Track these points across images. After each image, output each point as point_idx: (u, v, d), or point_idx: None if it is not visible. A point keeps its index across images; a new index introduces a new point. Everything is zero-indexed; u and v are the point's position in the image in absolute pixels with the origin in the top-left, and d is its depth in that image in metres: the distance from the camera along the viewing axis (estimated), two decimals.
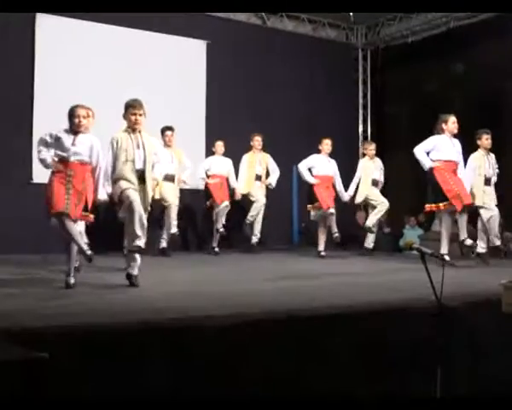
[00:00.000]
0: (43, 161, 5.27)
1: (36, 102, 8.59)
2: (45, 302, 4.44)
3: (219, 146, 8.89)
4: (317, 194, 8.48)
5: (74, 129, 5.28)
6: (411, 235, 9.52)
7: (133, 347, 3.34)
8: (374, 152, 9.05)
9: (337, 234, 8.38)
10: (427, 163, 7.12)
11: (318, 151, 8.67)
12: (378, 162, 9.08)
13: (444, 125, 7.15)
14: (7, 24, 8.17)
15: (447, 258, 6.59)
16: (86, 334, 3.34)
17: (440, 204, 7.02)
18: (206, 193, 8.89)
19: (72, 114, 5.29)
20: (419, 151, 7.18)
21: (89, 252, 5.08)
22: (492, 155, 7.61)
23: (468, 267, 7.09)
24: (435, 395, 3.10)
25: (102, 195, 5.53)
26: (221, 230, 8.75)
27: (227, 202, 8.76)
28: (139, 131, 5.41)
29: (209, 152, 9.33)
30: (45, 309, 4.10)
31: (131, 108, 5.37)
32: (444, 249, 6.99)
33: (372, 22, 11.36)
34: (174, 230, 8.28)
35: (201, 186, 8.96)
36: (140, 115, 5.38)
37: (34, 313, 3.93)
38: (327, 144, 8.64)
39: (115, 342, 3.34)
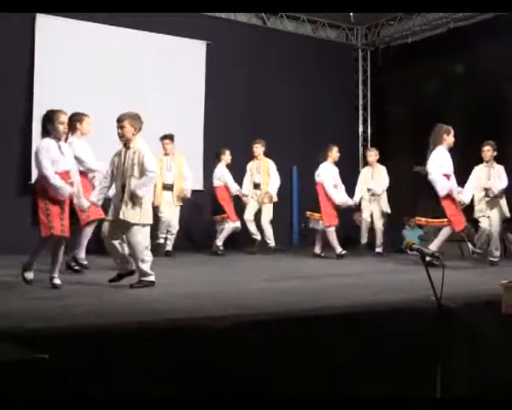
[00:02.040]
0: (63, 189, 4.97)
1: (35, 102, 8.56)
2: (45, 303, 4.45)
3: (227, 154, 8.72)
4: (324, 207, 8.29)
5: (58, 136, 5.00)
6: (411, 236, 9.52)
7: (133, 347, 3.34)
8: (373, 158, 8.96)
9: (342, 252, 8.25)
10: (446, 189, 6.84)
11: (326, 157, 8.38)
12: (378, 170, 8.91)
13: (446, 136, 6.98)
14: (7, 24, 8.16)
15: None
16: (86, 335, 3.35)
17: (435, 220, 6.94)
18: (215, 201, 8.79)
19: (55, 119, 4.98)
20: (438, 174, 6.85)
21: (58, 281, 5.13)
22: (498, 167, 7.47)
23: (468, 268, 7.09)
24: (435, 395, 3.10)
25: (86, 203, 5.38)
26: (220, 248, 8.66)
27: (239, 224, 8.72)
28: (128, 147, 5.12)
29: (206, 154, 9.34)
30: (45, 310, 4.11)
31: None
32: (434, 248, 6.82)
33: (372, 22, 11.36)
34: (160, 241, 8.23)
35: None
36: (121, 128, 5.07)
37: (34, 313, 3.95)
38: (337, 152, 8.42)
39: (115, 342, 3.34)
